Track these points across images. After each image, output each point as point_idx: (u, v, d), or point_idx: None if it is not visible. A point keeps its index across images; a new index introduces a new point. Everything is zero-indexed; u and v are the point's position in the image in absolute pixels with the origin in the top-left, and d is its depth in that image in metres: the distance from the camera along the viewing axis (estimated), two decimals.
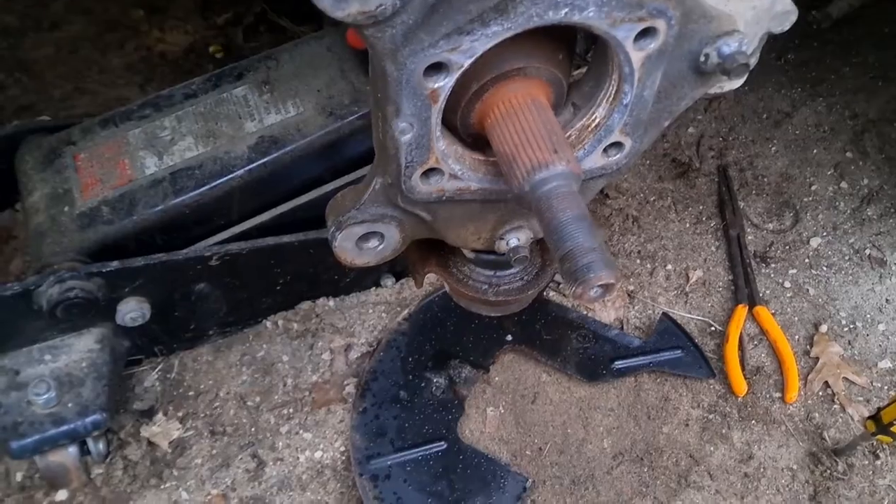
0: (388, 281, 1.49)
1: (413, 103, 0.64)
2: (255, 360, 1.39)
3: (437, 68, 0.62)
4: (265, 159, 1.23)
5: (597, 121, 0.74)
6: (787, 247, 1.56)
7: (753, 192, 1.65)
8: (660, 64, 0.68)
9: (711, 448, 1.30)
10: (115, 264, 1.16)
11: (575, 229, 0.64)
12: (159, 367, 1.37)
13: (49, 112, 1.75)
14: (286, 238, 1.28)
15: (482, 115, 0.72)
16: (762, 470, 1.28)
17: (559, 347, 1.39)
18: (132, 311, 1.21)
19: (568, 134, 0.76)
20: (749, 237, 1.57)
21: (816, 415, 1.33)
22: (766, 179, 1.67)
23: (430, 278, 1.51)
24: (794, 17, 0.74)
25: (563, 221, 0.65)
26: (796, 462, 1.28)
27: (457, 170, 0.73)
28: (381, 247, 0.79)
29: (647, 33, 0.65)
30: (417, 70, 0.61)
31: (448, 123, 0.73)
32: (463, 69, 0.63)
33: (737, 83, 0.80)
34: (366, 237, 0.78)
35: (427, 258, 0.90)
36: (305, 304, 1.44)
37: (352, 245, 0.78)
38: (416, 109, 0.65)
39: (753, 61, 0.79)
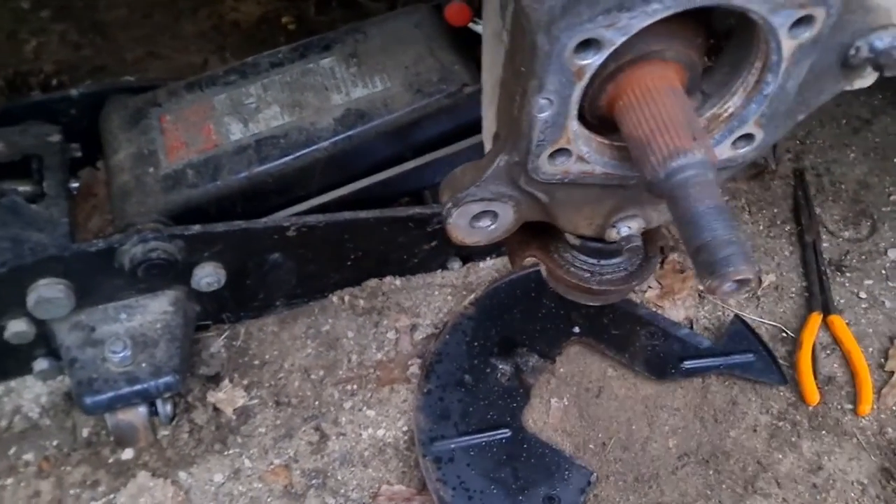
0: (455, 264, 1.48)
1: (558, 79, 0.63)
2: (319, 333, 1.39)
3: (588, 44, 0.61)
4: (351, 132, 1.22)
5: (730, 110, 0.72)
6: (864, 256, 1.52)
7: (830, 198, 1.62)
8: (810, 54, 0.66)
9: (780, 456, 1.28)
10: (196, 228, 1.16)
11: (713, 220, 0.62)
12: (225, 333, 1.37)
13: (121, 74, 1.76)
14: (363, 214, 1.27)
15: (614, 96, 0.70)
16: (831, 482, 1.25)
17: (627, 343, 1.37)
18: (208, 276, 1.21)
19: (699, 123, 0.73)
20: (824, 244, 1.53)
21: (890, 430, 1.30)
22: (843, 186, 1.63)
23: (497, 264, 1.50)
24: None
25: (700, 212, 0.63)
26: (867, 476, 1.26)
27: (584, 152, 0.71)
28: (492, 226, 0.78)
29: (804, 21, 0.63)
30: (570, 45, 0.60)
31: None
32: (615, 47, 0.61)
33: (870, 80, 0.77)
34: (480, 216, 0.77)
35: (528, 242, 0.89)
36: (372, 282, 1.43)
37: (465, 223, 0.76)
38: (560, 86, 0.63)
39: None
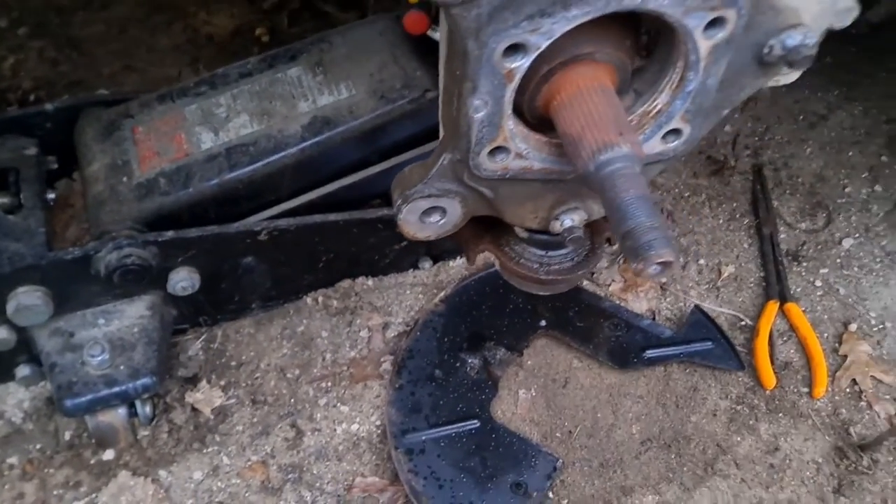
0: (426, 263, 1.52)
1: (490, 81, 0.68)
2: (295, 334, 1.43)
3: (516, 48, 0.66)
4: (317, 139, 1.27)
5: (658, 107, 0.77)
6: (820, 246, 1.58)
7: (787, 191, 1.67)
8: (726, 53, 0.71)
9: (738, 438, 1.33)
10: (170, 234, 1.20)
11: (637, 208, 0.67)
12: (203, 336, 1.41)
13: (98, 88, 1.80)
14: (332, 216, 1.32)
15: (549, 96, 0.75)
16: (788, 462, 1.30)
17: (591, 334, 1.42)
18: (183, 280, 1.25)
19: (629, 119, 0.79)
20: (782, 236, 1.59)
21: (843, 411, 1.36)
22: (800, 180, 1.69)
23: (467, 263, 1.55)
24: (855, 14, 0.76)
25: (626, 200, 0.68)
26: (822, 455, 1.31)
27: (522, 149, 0.76)
28: (442, 221, 0.83)
29: (717, 23, 0.68)
30: (498, 49, 0.65)
31: (514, 105, 0.77)
32: (540, 51, 0.66)
33: (794, 76, 0.82)
34: (429, 211, 0.81)
35: (481, 236, 0.94)
36: (345, 283, 1.47)
37: (415, 218, 0.81)
38: (492, 88, 0.68)
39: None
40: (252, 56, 1.39)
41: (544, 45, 0.66)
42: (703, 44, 0.70)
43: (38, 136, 1.35)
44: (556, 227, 0.85)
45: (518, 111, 0.78)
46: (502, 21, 0.63)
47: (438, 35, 1.17)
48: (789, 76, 0.83)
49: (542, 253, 0.92)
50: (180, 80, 1.79)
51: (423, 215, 0.81)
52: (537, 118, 0.78)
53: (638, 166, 0.71)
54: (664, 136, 0.79)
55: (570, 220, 0.85)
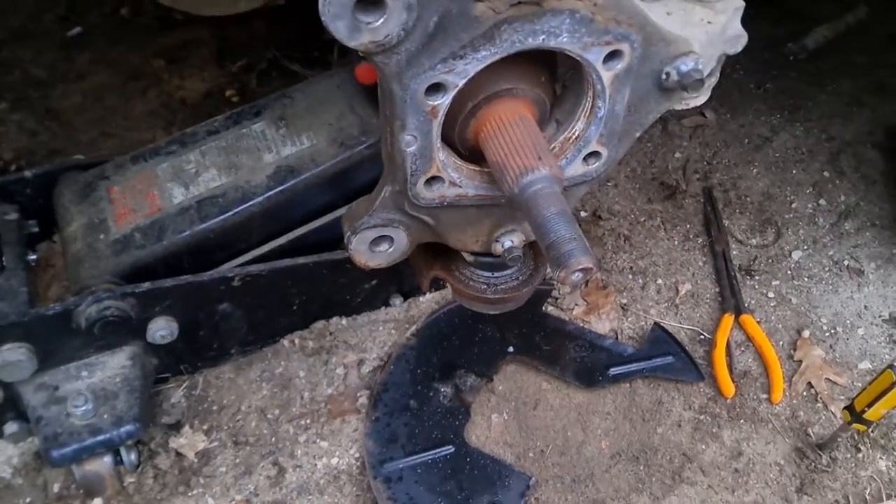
0: (397, 300, 1.59)
1: (416, 118, 0.76)
2: (273, 375, 1.49)
3: (436, 88, 0.74)
4: (282, 187, 1.34)
5: (577, 133, 0.86)
6: (770, 260, 1.66)
7: (737, 210, 1.76)
8: (627, 82, 0.80)
9: (703, 446, 1.38)
10: (146, 285, 1.26)
11: (557, 223, 0.75)
12: (185, 384, 1.47)
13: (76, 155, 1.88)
14: (301, 259, 1.39)
15: (476, 130, 0.83)
16: (751, 465, 1.36)
17: (558, 357, 1.49)
18: (161, 329, 1.31)
19: (552, 146, 0.87)
20: (734, 252, 1.67)
21: (801, 413, 1.42)
22: (748, 199, 1.78)
23: (437, 297, 1.61)
24: (744, 41, 0.85)
25: (547, 217, 0.76)
26: (783, 457, 1.37)
27: (455, 178, 0.84)
28: (390, 249, 0.90)
29: (614, 55, 0.77)
30: (419, 90, 0.73)
31: (447, 139, 0.85)
32: (458, 88, 0.75)
33: (701, 99, 0.91)
34: (377, 241, 0.89)
35: (432, 263, 1.01)
36: (320, 324, 1.54)
37: (365, 248, 0.88)
38: (419, 124, 0.76)
39: (713, 80, 0.91)
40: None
41: (461, 83, 0.74)
42: (605, 74, 0.79)
43: (18, 201, 1.42)
44: (497, 248, 0.93)
45: (452, 145, 0.86)
46: (419, 65, 0.71)
47: None
48: (698, 98, 0.92)
49: (489, 274, 0.99)
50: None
51: (371, 245, 0.89)
52: (469, 150, 0.87)
53: (558, 186, 0.79)
54: (585, 159, 0.88)
55: (510, 241, 0.93)
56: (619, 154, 0.89)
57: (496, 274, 0.99)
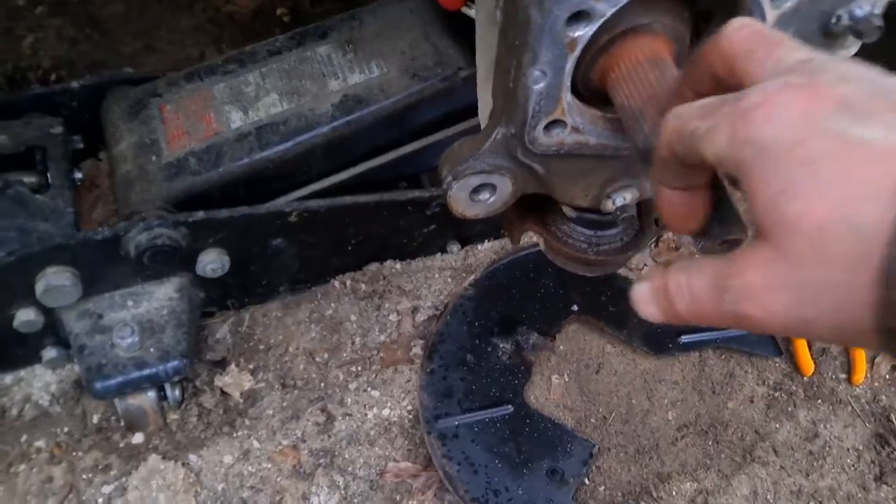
0: (454, 247, 1.50)
1: (551, 51, 0.65)
2: (323, 317, 1.41)
3: (580, 16, 0.63)
4: (349, 118, 1.24)
5: None
6: None
7: None
8: (792, 23, 0.68)
9: (777, 425, 1.30)
10: (200, 214, 1.18)
11: None
12: (231, 320, 1.39)
13: (119, 68, 1.77)
14: (363, 198, 1.29)
15: (606, 69, 0.72)
16: (827, 448, 1.28)
17: (625, 319, 1.40)
18: (212, 261, 1.23)
19: None
20: None
21: (884, 397, 1.33)
22: None
23: (495, 247, 1.52)
24: None
25: None
26: (862, 443, 1.29)
27: (578, 123, 0.73)
28: (491, 199, 0.80)
29: None
30: (562, 17, 0.62)
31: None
32: (605, 18, 0.64)
33: (854, 49, 0.79)
34: (479, 189, 0.79)
35: (525, 216, 0.91)
36: (373, 266, 1.45)
37: (465, 195, 0.78)
38: (553, 58, 0.65)
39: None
40: (278, 35, 1.37)
41: (609, 12, 0.63)
42: (770, 13, 0.67)
43: (63, 114, 1.32)
44: (608, 205, 0.83)
45: (572, 85, 0.75)
46: None
47: (474, 11, 1.14)
48: (850, 49, 0.80)
49: (591, 233, 0.89)
50: (202, 60, 1.77)
51: (472, 193, 0.79)
52: (591, 91, 0.75)
53: None
54: None
55: (623, 198, 0.82)
56: None
57: (599, 233, 0.89)
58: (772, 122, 0.42)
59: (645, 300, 0.52)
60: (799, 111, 0.41)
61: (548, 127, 0.73)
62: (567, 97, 0.71)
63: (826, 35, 0.72)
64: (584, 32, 0.64)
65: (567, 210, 0.89)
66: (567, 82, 0.69)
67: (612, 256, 0.90)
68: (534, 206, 0.91)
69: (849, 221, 0.39)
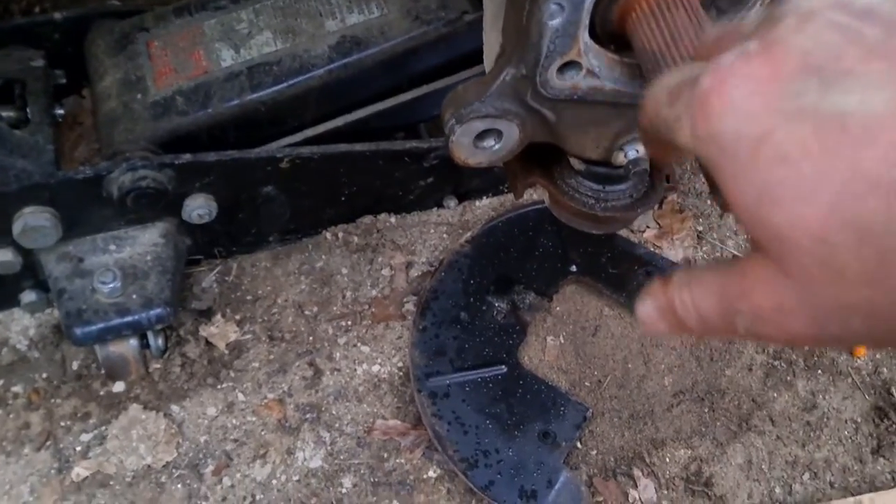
0: (451, 202, 1.45)
1: None
2: (313, 269, 1.37)
3: None
4: (346, 60, 1.18)
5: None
6: None
7: None
8: None
9: (775, 394, 1.28)
10: (187, 157, 1.12)
11: None
12: (217, 268, 1.35)
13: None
14: (359, 146, 1.24)
15: (626, 8, 0.67)
16: (825, 420, 1.25)
17: (624, 282, 1.36)
18: (199, 207, 1.18)
19: None
20: None
21: (885, 370, 1.30)
22: None
23: (494, 203, 1.47)
24: None
25: None
26: (861, 415, 1.26)
27: (595, 66, 0.68)
28: (497, 146, 0.75)
29: None
30: None
31: None
32: None
33: None
34: (483, 134, 0.74)
35: (531, 168, 0.86)
36: (367, 219, 1.40)
37: (469, 141, 0.74)
38: None
39: None
40: None
41: None
42: None
43: (45, 47, 1.25)
44: (620, 158, 0.78)
45: (590, 25, 0.70)
46: None
47: None
48: None
49: (599, 187, 0.84)
50: None
51: (476, 139, 0.74)
52: (609, 34, 0.70)
53: None
54: None
55: (636, 151, 0.78)
56: None
57: (607, 188, 0.84)
58: (729, 113, 0.34)
59: (652, 321, 0.44)
60: (757, 91, 0.33)
61: (562, 69, 0.67)
62: (584, 37, 0.65)
63: None
64: None
65: (575, 162, 0.84)
66: (586, 20, 0.64)
67: (621, 213, 0.85)
68: (540, 158, 0.86)
69: (852, 227, 0.31)
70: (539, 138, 0.77)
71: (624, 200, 0.85)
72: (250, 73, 1.17)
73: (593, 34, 0.71)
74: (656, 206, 1.46)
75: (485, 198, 1.48)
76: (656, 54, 0.64)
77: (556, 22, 0.62)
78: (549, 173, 0.86)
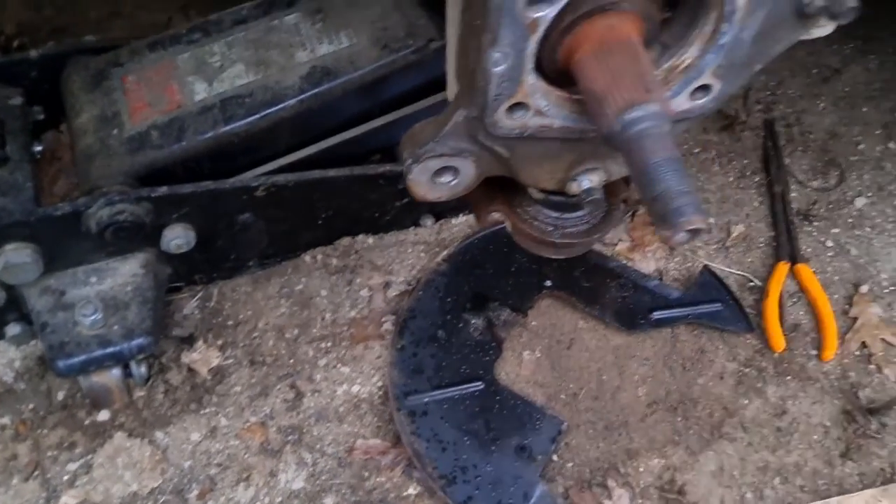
0: (428, 221, 1.48)
1: (512, 32, 0.62)
2: (293, 293, 1.39)
3: None
4: (317, 90, 1.21)
5: (688, 61, 0.72)
6: (831, 205, 1.54)
7: (799, 148, 1.63)
8: (766, 4, 0.66)
9: (745, 401, 1.31)
10: (164, 190, 1.15)
11: (667, 172, 0.63)
12: (199, 295, 1.37)
13: (84, 34, 1.72)
14: (332, 172, 1.27)
15: (571, 49, 0.70)
16: (795, 425, 1.29)
17: (598, 295, 1.39)
18: (177, 237, 1.21)
19: (655, 74, 0.74)
20: (793, 194, 1.55)
21: (852, 374, 1.34)
22: (812, 136, 1.65)
23: (470, 221, 1.50)
24: None
25: (655, 163, 0.64)
26: (830, 419, 1.29)
27: (542, 106, 0.71)
28: (454, 182, 0.78)
29: None
30: None
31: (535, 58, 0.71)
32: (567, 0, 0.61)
33: (829, 29, 0.77)
34: (441, 171, 0.77)
35: (493, 197, 0.89)
36: (345, 240, 1.43)
37: (426, 179, 0.77)
38: (514, 39, 0.63)
39: None
40: (243, 2, 1.32)
41: None
42: None
43: (22, 85, 1.28)
44: (574, 188, 0.81)
45: (537, 65, 0.73)
46: None
47: None
48: (824, 29, 0.78)
49: (557, 215, 0.87)
50: (170, 26, 1.72)
51: (434, 175, 0.77)
52: (557, 72, 0.73)
53: (667, 126, 0.66)
54: (693, 93, 0.75)
55: (589, 181, 0.81)
56: (733, 89, 0.76)
57: (565, 215, 0.87)
58: None
59: None
60: None
61: (510, 109, 0.70)
62: (530, 79, 0.68)
63: (800, 16, 0.70)
64: (546, 13, 0.62)
65: (534, 192, 0.87)
66: (529, 65, 0.67)
67: (578, 239, 0.88)
68: (501, 188, 0.89)
69: None
70: (495, 172, 0.80)
71: (581, 227, 0.88)
72: (223, 106, 1.20)
73: (544, 74, 0.74)
74: (629, 220, 1.49)
75: (461, 215, 1.50)
76: (598, 94, 0.67)
77: (500, 69, 0.65)
78: (509, 203, 0.89)
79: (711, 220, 1.52)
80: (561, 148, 0.77)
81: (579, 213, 0.88)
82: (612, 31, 0.68)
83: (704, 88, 0.74)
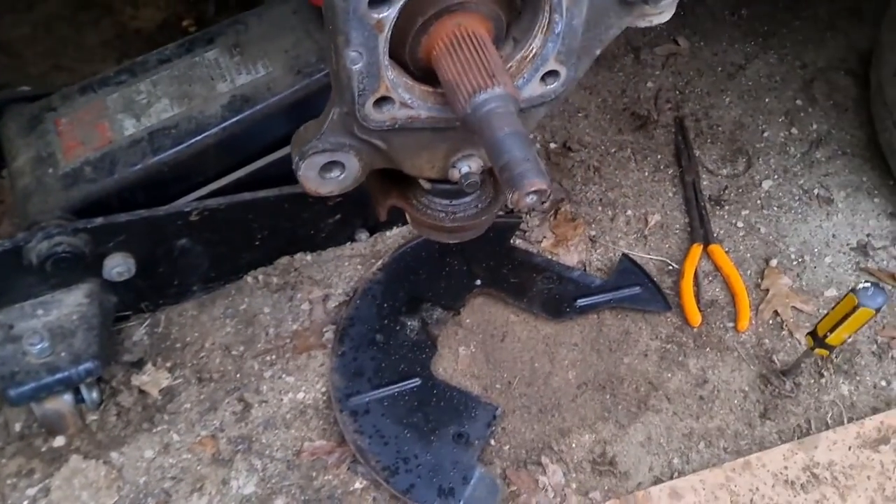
0: (363, 235, 1.56)
1: (361, 33, 0.71)
2: (237, 312, 1.46)
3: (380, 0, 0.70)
4: (238, 117, 1.29)
5: (533, 51, 0.82)
6: (740, 190, 1.64)
7: (709, 140, 1.74)
8: None
9: (669, 375, 1.39)
10: (99, 220, 1.22)
11: (511, 143, 0.72)
12: (146, 322, 1.44)
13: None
14: (262, 193, 1.35)
15: (429, 48, 0.79)
16: (716, 392, 1.37)
17: (525, 289, 1.47)
18: (118, 265, 1.28)
19: (509, 65, 0.83)
20: (704, 182, 1.65)
21: (767, 341, 1.42)
22: (720, 128, 1.76)
23: (404, 232, 1.59)
24: None
25: (500, 137, 0.72)
26: (748, 384, 1.37)
27: (407, 98, 0.80)
28: (342, 176, 0.86)
29: None
30: (363, 1, 0.69)
31: (400, 58, 0.81)
32: (404, 1, 0.70)
33: (665, 16, 0.87)
34: (328, 167, 0.85)
35: (389, 190, 0.98)
36: (284, 260, 1.51)
37: (315, 174, 0.85)
38: (364, 39, 0.72)
39: None
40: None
41: None
42: None
43: None
44: (454, 174, 0.90)
45: (405, 65, 0.82)
46: None
47: None
48: (662, 15, 0.88)
49: (447, 202, 0.96)
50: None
51: (322, 171, 0.85)
52: (423, 70, 0.82)
53: (513, 106, 0.75)
54: (543, 79, 0.84)
55: (467, 166, 0.89)
56: (579, 73, 0.85)
57: (454, 202, 0.96)
58: None
59: None
60: None
61: (377, 104, 0.79)
62: (389, 75, 0.77)
63: (622, 4, 0.80)
64: (387, 14, 0.71)
65: (424, 183, 0.96)
66: (384, 61, 0.76)
67: (469, 223, 0.97)
68: (396, 181, 0.98)
69: None
70: (379, 165, 0.88)
71: (470, 211, 0.96)
72: (151, 138, 1.28)
73: (411, 72, 0.83)
74: (552, 217, 1.58)
75: (395, 227, 1.59)
76: (452, 83, 0.76)
77: (358, 66, 0.74)
78: (404, 194, 0.98)
79: (630, 212, 1.61)
80: (434, 137, 0.86)
81: (468, 199, 0.96)
82: (459, 27, 0.78)
83: (553, 74, 0.84)
